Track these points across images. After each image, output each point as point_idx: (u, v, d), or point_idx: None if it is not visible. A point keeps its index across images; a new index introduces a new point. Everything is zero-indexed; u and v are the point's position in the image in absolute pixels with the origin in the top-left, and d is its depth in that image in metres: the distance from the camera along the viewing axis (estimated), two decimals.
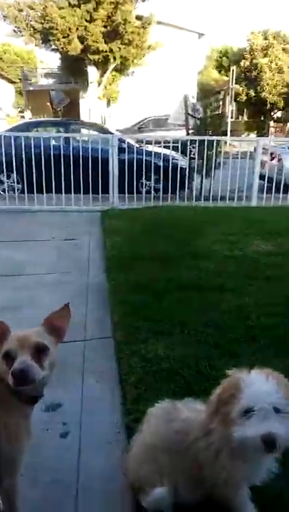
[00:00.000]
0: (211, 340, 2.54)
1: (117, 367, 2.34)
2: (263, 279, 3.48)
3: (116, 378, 2.25)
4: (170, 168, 7.01)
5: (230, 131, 17.36)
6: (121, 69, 20.36)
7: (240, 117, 26.52)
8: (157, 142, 7.61)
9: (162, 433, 1.44)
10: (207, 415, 1.32)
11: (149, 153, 7.16)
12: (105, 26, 17.76)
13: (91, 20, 16.88)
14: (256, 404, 1.14)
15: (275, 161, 7.81)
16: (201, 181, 7.47)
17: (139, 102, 22.26)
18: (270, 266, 3.84)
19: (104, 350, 2.55)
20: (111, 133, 8.35)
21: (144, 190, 7.20)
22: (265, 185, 6.78)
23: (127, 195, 6.73)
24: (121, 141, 7.24)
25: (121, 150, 6.89)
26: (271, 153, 8.07)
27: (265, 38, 22.40)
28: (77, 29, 16.80)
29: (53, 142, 7.07)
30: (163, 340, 2.54)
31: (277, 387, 1.17)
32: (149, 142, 7.81)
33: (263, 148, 7.16)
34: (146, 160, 7.00)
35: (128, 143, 7.37)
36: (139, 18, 18.98)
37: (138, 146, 7.74)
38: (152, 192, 7.56)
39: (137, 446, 1.54)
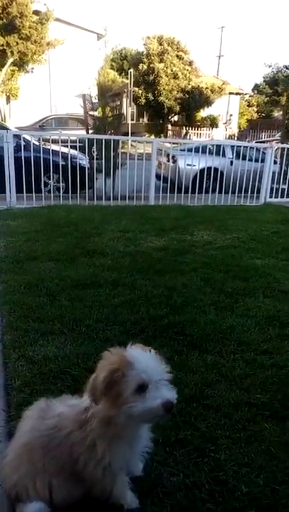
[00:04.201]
0: (102, 336, 2.55)
1: (3, 372, 2.22)
2: (153, 273, 3.61)
3: (1, 385, 2.14)
4: (70, 166, 6.90)
5: (132, 132, 17.74)
6: (20, 64, 19.55)
7: (140, 120, 27.22)
8: (56, 141, 7.44)
9: (36, 430, 1.40)
10: (91, 401, 1.30)
11: (47, 152, 6.96)
12: (1, 18, 16.91)
13: None
14: (149, 378, 1.22)
15: (171, 162, 8.17)
16: (104, 181, 7.50)
17: (41, 99, 21.61)
18: (160, 260, 4.02)
19: None
20: (8, 129, 7.94)
21: (43, 189, 6.98)
22: (161, 185, 7.07)
23: (25, 194, 6.51)
24: (18, 138, 6.93)
25: (19, 148, 6.64)
26: (168, 155, 8.42)
27: (160, 44, 23.19)
28: None
29: None
30: (53, 341, 2.48)
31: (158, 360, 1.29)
32: (47, 140, 7.60)
33: (159, 150, 7.44)
34: (44, 158, 6.79)
35: (26, 140, 7.08)
36: (36, 13, 18.46)
37: (37, 144, 7.48)
38: (53, 191, 7.42)
39: (12, 450, 1.47)
